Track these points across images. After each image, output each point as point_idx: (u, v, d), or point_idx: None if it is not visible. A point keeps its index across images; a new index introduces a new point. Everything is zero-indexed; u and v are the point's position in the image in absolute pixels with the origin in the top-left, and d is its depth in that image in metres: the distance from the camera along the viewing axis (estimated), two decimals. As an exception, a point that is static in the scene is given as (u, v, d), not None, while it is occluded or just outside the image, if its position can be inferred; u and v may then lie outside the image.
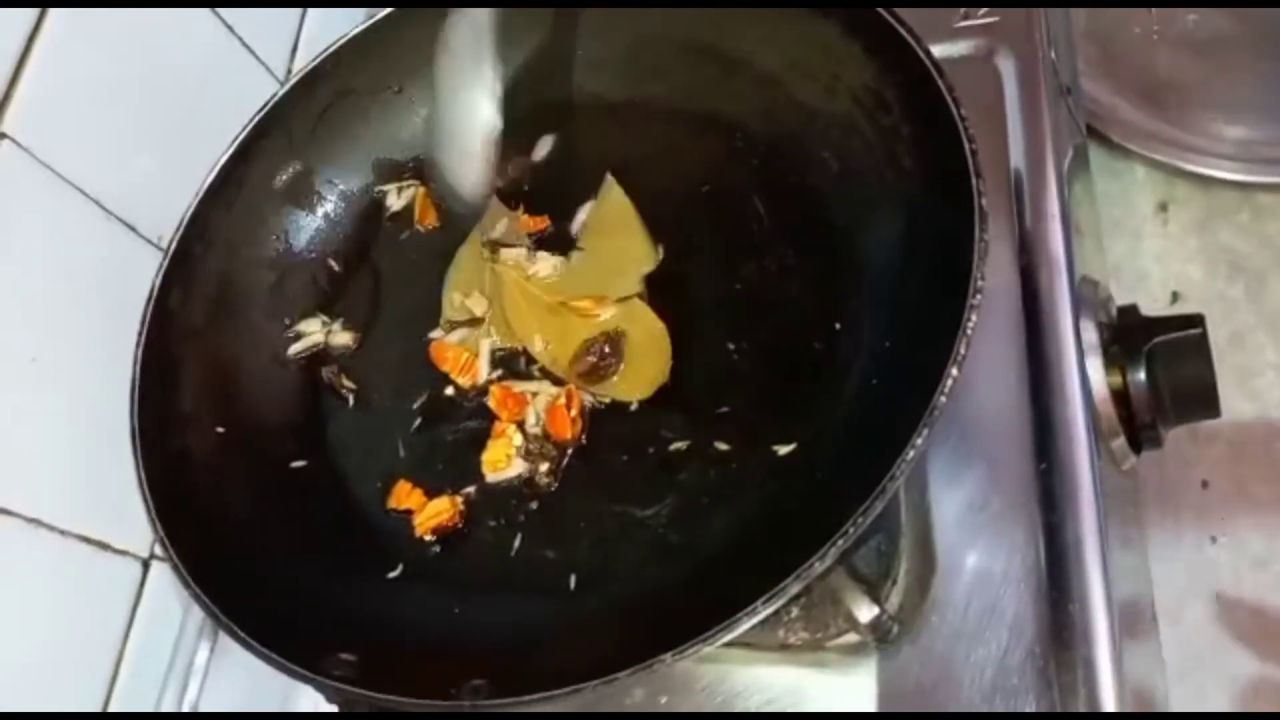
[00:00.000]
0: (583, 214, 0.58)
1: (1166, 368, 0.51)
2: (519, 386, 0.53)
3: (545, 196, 0.59)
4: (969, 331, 0.40)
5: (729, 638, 0.38)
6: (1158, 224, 0.69)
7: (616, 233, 0.55)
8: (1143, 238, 0.69)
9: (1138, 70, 0.71)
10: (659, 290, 0.54)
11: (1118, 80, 0.71)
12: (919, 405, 0.39)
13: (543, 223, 0.58)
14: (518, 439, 0.52)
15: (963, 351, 0.39)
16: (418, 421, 0.55)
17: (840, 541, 0.38)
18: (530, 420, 0.52)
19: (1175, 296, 0.67)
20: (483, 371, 0.54)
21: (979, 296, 0.40)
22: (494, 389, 0.53)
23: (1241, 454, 0.61)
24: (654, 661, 0.38)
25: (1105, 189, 0.71)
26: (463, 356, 0.55)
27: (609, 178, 0.57)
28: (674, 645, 0.38)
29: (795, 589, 0.38)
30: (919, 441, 0.38)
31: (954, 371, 0.39)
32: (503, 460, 0.51)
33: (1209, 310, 0.67)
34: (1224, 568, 0.59)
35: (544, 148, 0.60)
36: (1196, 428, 0.62)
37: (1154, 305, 0.67)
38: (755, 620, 0.38)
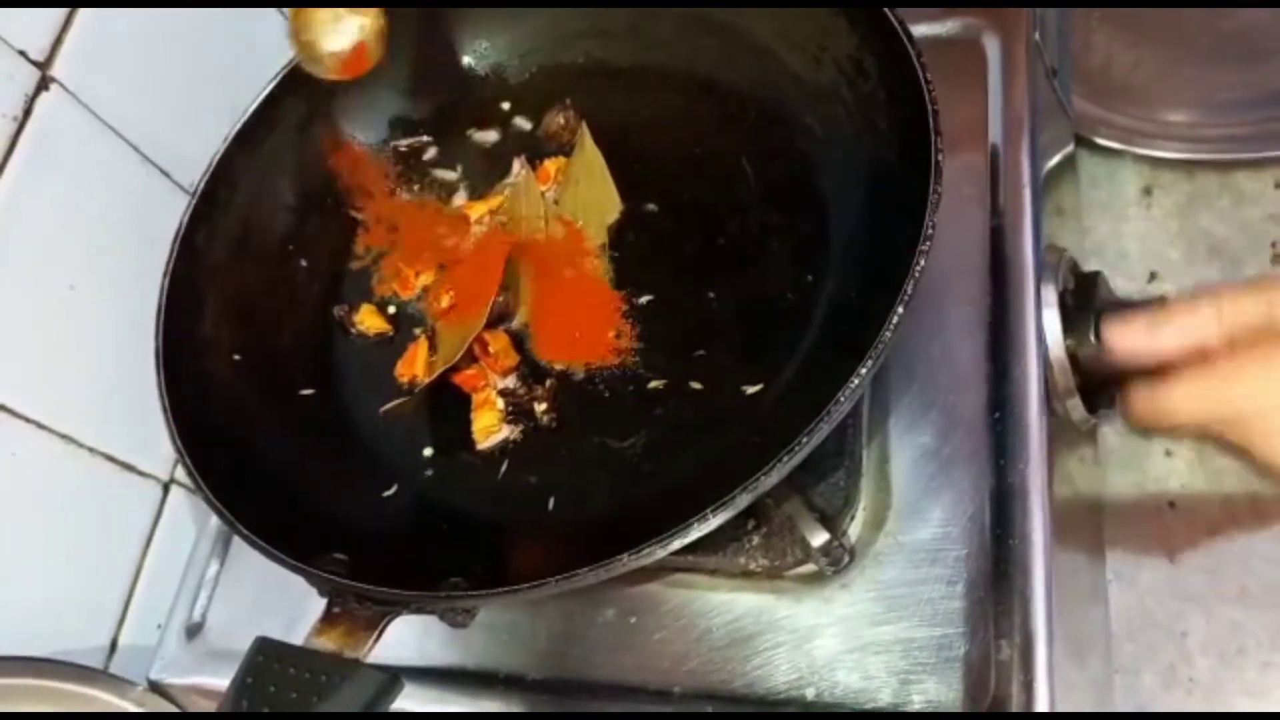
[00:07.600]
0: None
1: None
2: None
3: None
4: (917, 274, 0.43)
5: (681, 543, 0.42)
6: (1142, 207, 0.72)
7: (587, 184, 0.59)
8: (1127, 220, 0.72)
9: (1096, 62, 0.74)
10: (649, 243, 0.58)
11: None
12: (869, 344, 0.43)
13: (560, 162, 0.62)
14: (500, 403, 0.55)
15: (910, 292, 0.42)
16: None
17: (786, 458, 0.41)
18: (501, 384, 0.55)
19: (1153, 276, 0.69)
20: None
21: (929, 244, 0.43)
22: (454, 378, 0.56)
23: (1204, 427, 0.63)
24: (611, 561, 0.42)
25: (1094, 173, 0.73)
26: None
27: (584, 129, 0.61)
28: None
29: (744, 501, 0.42)
30: (863, 371, 0.42)
31: (900, 310, 0.42)
32: (488, 430, 0.54)
33: (1184, 290, 0.70)
34: (1179, 532, 0.61)
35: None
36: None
37: (1131, 284, 0.69)
38: (707, 527, 0.42)
